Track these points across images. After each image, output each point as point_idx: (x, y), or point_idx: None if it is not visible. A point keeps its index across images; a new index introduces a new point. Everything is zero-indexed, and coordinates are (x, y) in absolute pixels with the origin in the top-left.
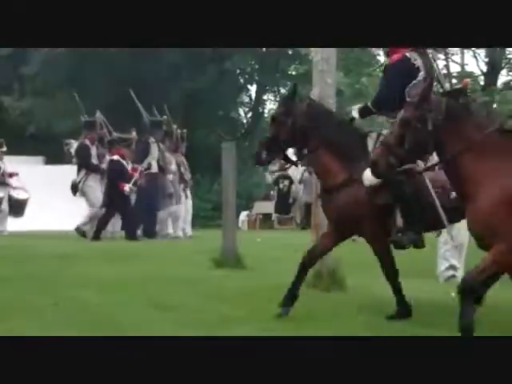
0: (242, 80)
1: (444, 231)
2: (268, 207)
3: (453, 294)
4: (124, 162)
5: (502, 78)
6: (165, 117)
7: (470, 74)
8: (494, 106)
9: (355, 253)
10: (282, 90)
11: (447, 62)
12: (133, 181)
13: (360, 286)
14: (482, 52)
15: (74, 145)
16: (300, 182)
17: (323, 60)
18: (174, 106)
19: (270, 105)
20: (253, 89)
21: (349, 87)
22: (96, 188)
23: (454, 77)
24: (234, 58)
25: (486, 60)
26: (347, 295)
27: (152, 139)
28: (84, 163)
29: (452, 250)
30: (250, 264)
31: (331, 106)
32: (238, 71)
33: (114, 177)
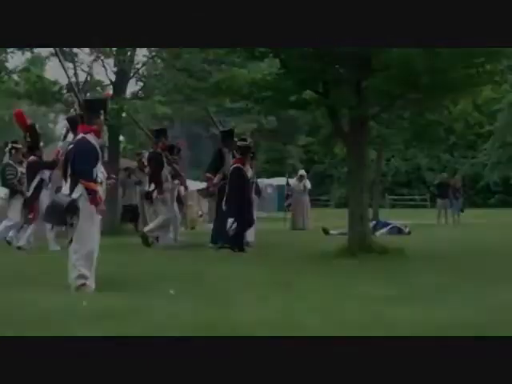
0: None
1: (74, 240)
2: None
3: (84, 303)
4: (244, 170)
5: (131, 87)
6: None
7: (99, 83)
8: (123, 114)
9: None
10: None
11: (75, 70)
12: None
13: (25, 300)
14: (111, 61)
15: (146, 154)
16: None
17: None
18: None
19: None
20: None
21: None
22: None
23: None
24: None
25: (115, 69)
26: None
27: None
28: (157, 171)
29: (81, 259)
30: None
31: None
32: None
33: (236, 183)
